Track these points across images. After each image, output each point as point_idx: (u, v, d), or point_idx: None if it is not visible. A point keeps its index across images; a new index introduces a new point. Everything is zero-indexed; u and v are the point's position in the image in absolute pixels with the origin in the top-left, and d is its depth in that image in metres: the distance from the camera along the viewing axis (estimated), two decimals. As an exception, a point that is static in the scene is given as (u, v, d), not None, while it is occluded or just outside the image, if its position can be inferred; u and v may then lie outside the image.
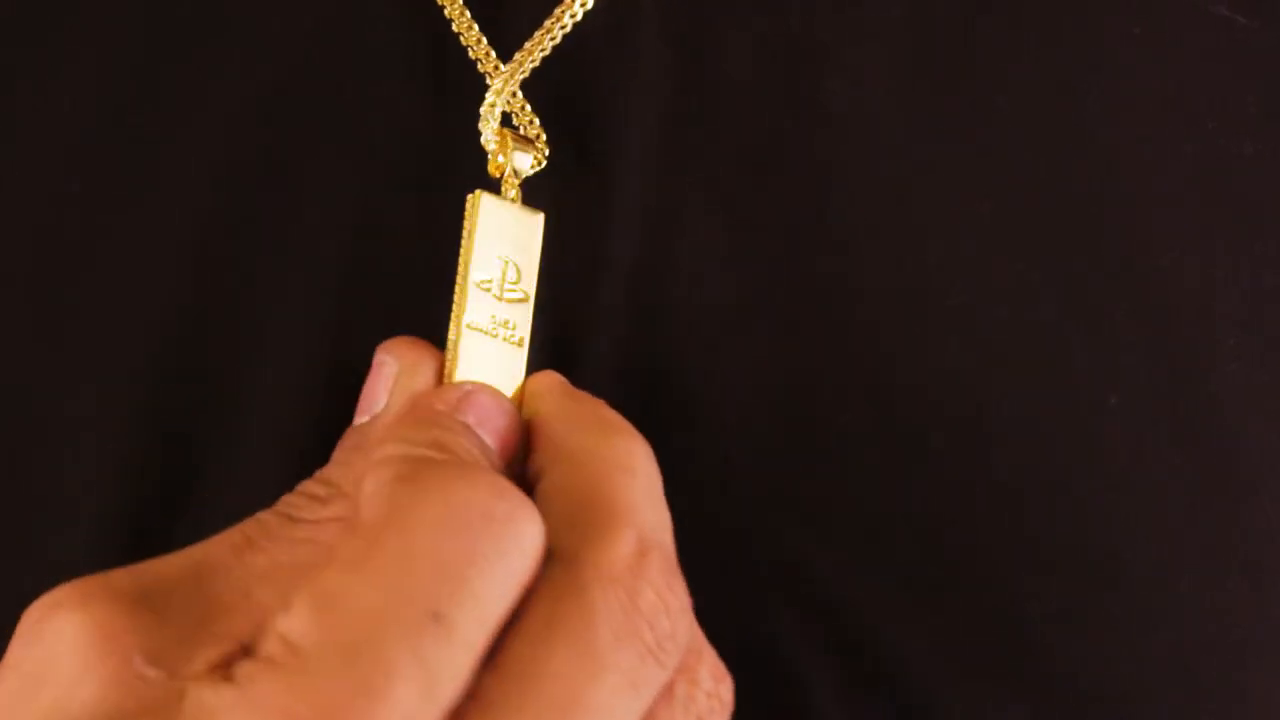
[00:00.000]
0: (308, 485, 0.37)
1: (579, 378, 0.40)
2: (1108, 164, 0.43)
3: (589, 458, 0.35)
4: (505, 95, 0.42)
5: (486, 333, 0.40)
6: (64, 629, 0.32)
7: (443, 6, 0.43)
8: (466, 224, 0.40)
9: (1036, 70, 0.43)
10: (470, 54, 0.42)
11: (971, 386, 0.41)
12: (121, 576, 0.33)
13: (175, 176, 0.41)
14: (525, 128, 0.42)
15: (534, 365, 0.40)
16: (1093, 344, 0.41)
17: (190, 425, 0.40)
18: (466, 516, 0.31)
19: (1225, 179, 0.43)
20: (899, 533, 0.40)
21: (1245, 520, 0.41)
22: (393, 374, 0.39)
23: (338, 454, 0.38)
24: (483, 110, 0.42)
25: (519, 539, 0.31)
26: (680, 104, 0.42)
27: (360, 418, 0.39)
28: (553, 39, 0.42)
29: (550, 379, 0.39)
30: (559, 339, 0.41)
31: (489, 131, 0.42)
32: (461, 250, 0.40)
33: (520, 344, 0.40)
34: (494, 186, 0.41)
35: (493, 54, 0.42)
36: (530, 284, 0.40)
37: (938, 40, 0.43)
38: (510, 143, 0.41)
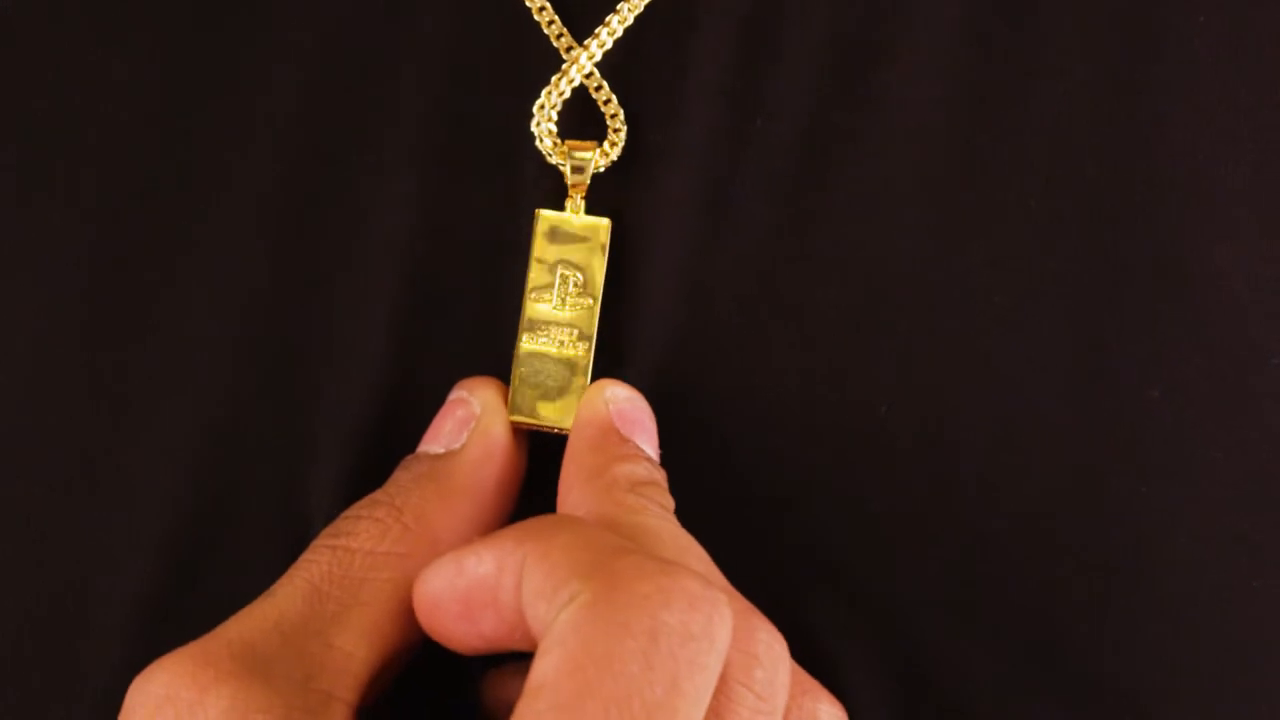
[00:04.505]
0: (362, 509, 0.38)
1: (633, 372, 0.41)
2: (1162, 157, 0.41)
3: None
4: (562, 90, 0.42)
5: (544, 350, 0.40)
6: (195, 713, 0.33)
7: None
8: (532, 241, 0.41)
9: (1093, 62, 0.42)
10: (542, 31, 0.42)
11: (1012, 379, 0.41)
12: (217, 646, 0.34)
13: (230, 195, 0.42)
14: (602, 106, 0.42)
15: (596, 363, 0.41)
16: (1135, 337, 0.41)
17: (245, 437, 0.41)
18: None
19: None
20: (935, 526, 0.40)
21: None
22: (472, 414, 0.40)
23: (400, 476, 0.39)
24: (536, 109, 0.42)
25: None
26: (738, 92, 0.42)
27: (430, 446, 0.40)
28: (623, 22, 0.42)
29: (595, 408, 0.40)
30: (613, 335, 0.41)
31: (544, 126, 0.42)
32: (529, 268, 0.41)
33: (585, 352, 0.40)
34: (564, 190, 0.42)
35: (567, 34, 0.42)
36: (596, 290, 0.41)
37: (993, 33, 0.42)
38: (567, 152, 0.41)
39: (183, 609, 0.40)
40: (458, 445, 0.39)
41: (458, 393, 0.40)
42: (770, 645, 0.34)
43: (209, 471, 0.41)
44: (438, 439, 0.40)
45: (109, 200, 0.42)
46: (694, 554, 0.37)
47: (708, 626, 0.32)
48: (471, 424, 0.40)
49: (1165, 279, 0.41)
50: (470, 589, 0.34)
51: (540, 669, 0.31)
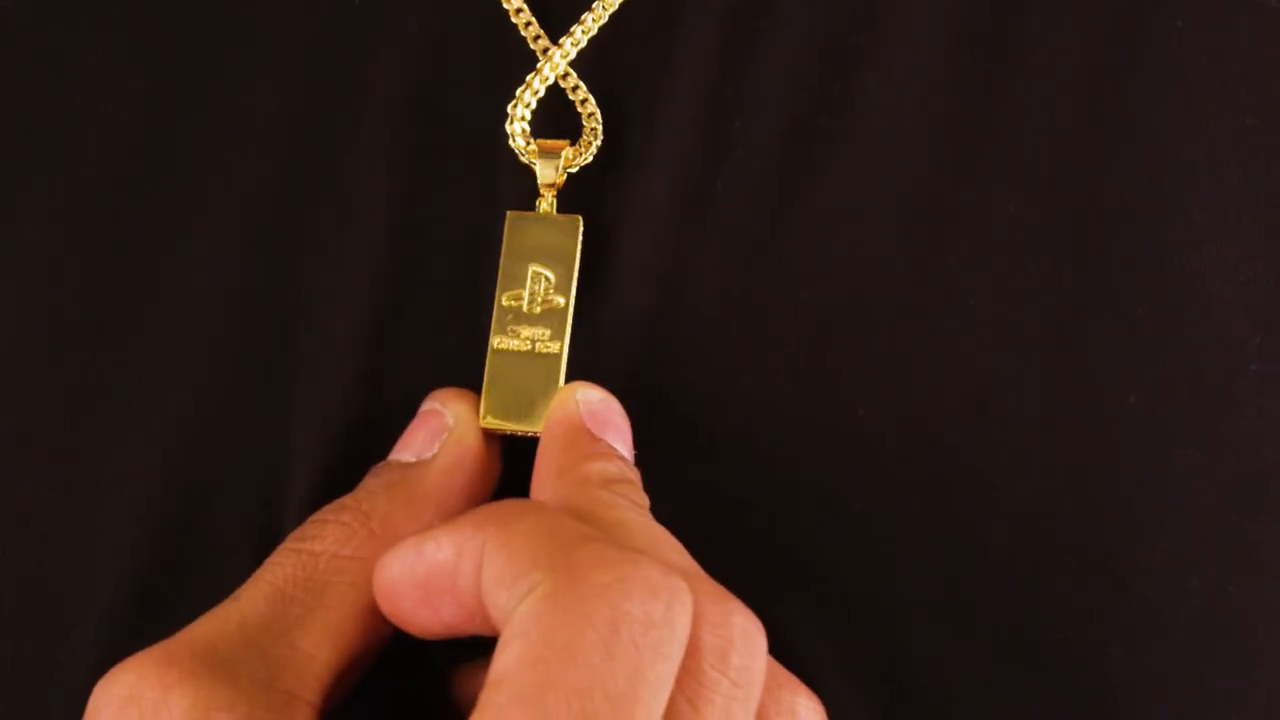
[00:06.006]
0: (329, 514, 0.38)
1: (607, 371, 0.41)
2: (1145, 162, 0.41)
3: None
4: (535, 89, 0.41)
5: (516, 350, 0.40)
6: (158, 712, 0.33)
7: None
8: (502, 241, 0.40)
9: (1078, 65, 0.41)
10: (520, 32, 0.42)
11: (990, 383, 0.40)
12: (180, 647, 0.34)
13: (216, 196, 0.42)
14: (579, 105, 0.42)
15: (570, 363, 0.41)
16: (1114, 341, 0.40)
17: (221, 439, 0.41)
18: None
19: (1263, 177, 0.40)
20: (919, 528, 0.40)
21: (1265, 524, 0.40)
22: (445, 426, 0.39)
23: (370, 483, 0.39)
24: (510, 108, 0.41)
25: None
26: (718, 92, 0.41)
27: (401, 455, 0.40)
28: (598, 20, 0.42)
29: (566, 409, 0.39)
30: (587, 334, 0.41)
31: (517, 125, 0.41)
32: (499, 268, 0.41)
33: (558, 351, 0.40)
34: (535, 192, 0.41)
35: (544, 35, 0.42)
36: (568, 289, 0.40)
37: (978, 36, 0.41)
38: (536, 151, 0.41)
39: (156, 612, 0.40)
40: (429, 455, 0.39)
41: (430, 404, 0.40)
42: (746, 631, 0.33)
43: (184, 474, 0.41)
44: (409, 448, 0.40)
45: (107, 200, 0.42)
46: (667, 544, 0.36)
47: (668, 614, 0.31)
48: (444, 435, 0.40)
49: (1145, 282, 0.41)
50: (429, 575, 0.34)
51: (502, 661, 0.31)
